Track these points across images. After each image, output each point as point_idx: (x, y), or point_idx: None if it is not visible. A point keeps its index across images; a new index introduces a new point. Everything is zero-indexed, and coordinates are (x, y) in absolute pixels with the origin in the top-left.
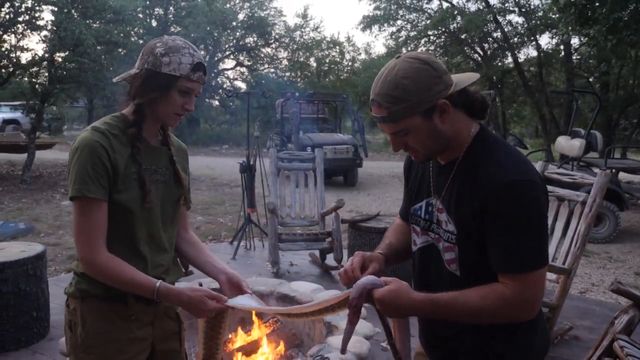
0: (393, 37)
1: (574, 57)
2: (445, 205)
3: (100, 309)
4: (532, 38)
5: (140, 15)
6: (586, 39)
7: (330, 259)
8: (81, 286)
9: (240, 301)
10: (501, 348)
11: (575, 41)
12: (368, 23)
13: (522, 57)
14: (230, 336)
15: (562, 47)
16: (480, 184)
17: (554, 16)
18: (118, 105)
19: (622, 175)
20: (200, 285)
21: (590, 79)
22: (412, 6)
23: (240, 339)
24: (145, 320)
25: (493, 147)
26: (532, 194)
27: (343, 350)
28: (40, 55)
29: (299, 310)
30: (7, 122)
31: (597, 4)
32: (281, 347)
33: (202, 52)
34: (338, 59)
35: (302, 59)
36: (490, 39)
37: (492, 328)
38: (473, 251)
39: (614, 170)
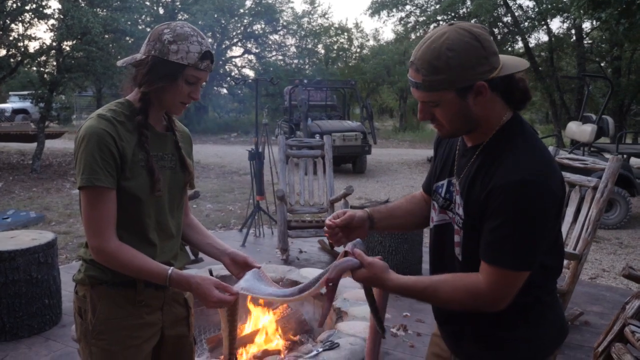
0: (402, 22)
1: (586, 42)
2: (461, 188)
3: (110, 295)
4: (543, 22)
5: (148, 3)
6: (598, 22)
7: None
8: (90, 273)
9: (248, 283)
10: (504, 336)
11: (586, 25)
12: (377, 8)
13: (532, 41)
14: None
15: (573, 31)
16: (494, 173)
17: (565, 0)
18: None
19: (634, 161)
20: (211, 272)
21: (602, 64)
22: None
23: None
24: (155, 305)
25: (519, 139)
26: (539, 198)
27: (321, 324)
28: (48, 44)
29: (299, 298)
30: (16, 111)
31: None
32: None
33: (210, 40)
34: (346, 46)
35: (310, 46)
36: (501, 24)
37: (497, 315)
38: (474, 238)
39: (625, 156)
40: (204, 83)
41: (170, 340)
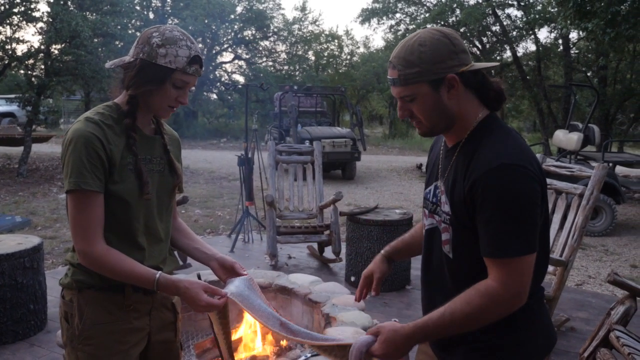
0: (392, 30)
1: (573, 52)
2: (445, 187)
3: (97, 299)
4: (530, 32)
5: (138, 7)
6: (584, 33)
7: (328, 252)
8: (78, 277)
9: (238, 290)
10: (497, 340)
11: (573, 35)
12: (367, 16)
13: (520, 51)
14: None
15: (560, 41)
16: (473, 167)
17: (552, 10)
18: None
19: (619, 169)
20: (199, 277)
21: (589, 73)
22: None
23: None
24: (143, 310)
25: (496, 132)
26: (521, 179)
27: None
28: (36, 47)
29: (300, 340)
30: (3, 115)
31: None
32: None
33: (200, 45)
34: (337, 53)
35: (300, 53)
36: (489, 33)
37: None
38: (464, 234)
39: (611, 164)
40: (193, 88)
41: (157, 345)
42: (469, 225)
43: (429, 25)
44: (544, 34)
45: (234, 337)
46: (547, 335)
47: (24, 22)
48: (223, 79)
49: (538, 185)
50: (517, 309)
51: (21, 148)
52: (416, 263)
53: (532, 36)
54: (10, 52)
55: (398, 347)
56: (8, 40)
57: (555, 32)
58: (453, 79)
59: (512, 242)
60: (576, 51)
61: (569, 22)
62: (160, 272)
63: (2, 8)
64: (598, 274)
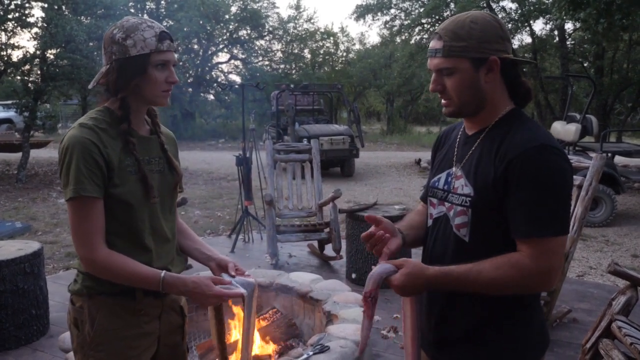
0: (387, 26)
1: (568, 43)
2: (465, 171)
3: (108, 305)
4: (526, 24)
5: (132, 10)
6: (579, 23)
7: (328, 250)
8: (87, 283)
9: (247, 296)
10: (493, 336)
11: (569, 26)
12: (362, 12)
13: (516, 43)
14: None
15: (556, 32)
16: (508, 146)
17: (547, 1)
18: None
19: (618, 159)
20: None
21: (585, 64)
22: None
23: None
24: (153, 314)
25: (526, 120)
26: (560, 161)
27: (362, 347)
28: (31, 52)
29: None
30: (0, 121)
31: None
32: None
33: (195, 47)
34: (332, 50)
35: (296, 51)
36: None
37: (486, 315)
38: (486, 215)
39: (609, 154)
40: (175, 64)
41: (165, 349)
42: (494, 206)
43: (424, 21)
44: (539, 26)
45: (235, 337)
46: (542, 332)
47: (19, 28)
48: (220, 80)
49: (570, 168)
50: (543, 290)
51: (20, 154)
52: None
53: (528, 28)
54: (5, 58)
55: (416, 284)
56: (3, 47)
57: (551, 23)
58: (494, 61)
59: (549, 222)
60: (572, 42)
61: (563, 12)
62: (165, 271)
63: None
64: (599, 265)
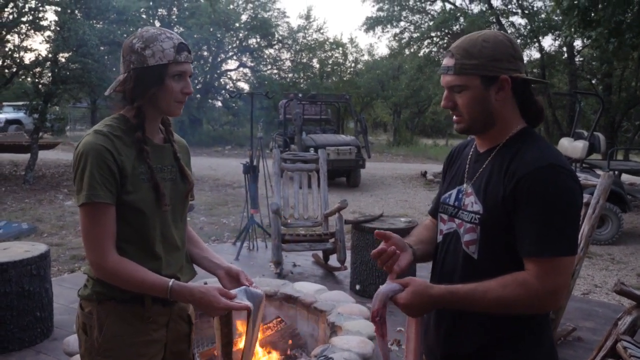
0: (396, 38)
1: (577, 59)
2: (475, 189)
3: (117, 311)
4: (534, 40)
5: (144, 16)
6: (589, 41)
7: (333, 260)
8: (97, 289)
9: (243, 296)
10: (502, 355)
11: (578, 43)
12: (371, 24)
13: (524, 59)
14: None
15: (565, 49)
16: (518, 165)
17: (556, 18)
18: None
19: (625, 177)
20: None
21: (593, 81)
22: (415, 8)
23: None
24: (161, 322)
25: (537, 139)
26: (569, 181)
27: None
28: (43, 55)
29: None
30: (10, 122)
31: (599, 6)
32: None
33: (205, 53)
34: (341, 60)
35: (305, 60)
36: None
37: (495, 333)
38: (495, 233)
39: (616, 172)
40: (191, 75)
41: (172, 357)
42: (503, 224)
43: (433, 34)
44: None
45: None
46: (551, 353)
47: (32, 31)
48: (228, 87)
49: (580, 189)
50: (550, 310)
51: (28, 155)
52: (421, 271)
53: (537, 44)
54: (18, 61)
55: (423, 303)
56: (16, 49)
57: (560, 40)
58: (505, 80)
59: (556, 241)
60: (581, 59)
61: (573, 30)
62: (173, 279)
63: (11, 17)
64: (604, 283)
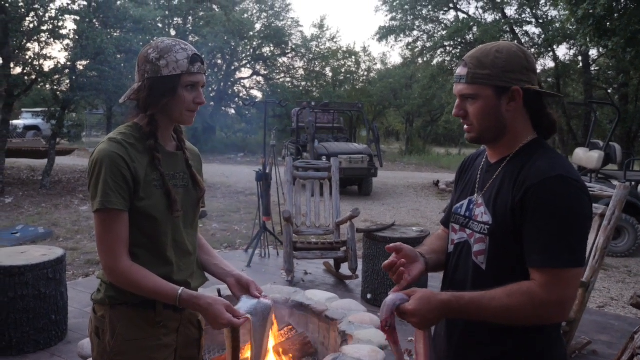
0: (409, 47)
1: (592, 69)
2: (485, 199)
3: (129, 315)
4: (549, 49)
5: (160, 25)
6: (605, 50)
7: (344, 268)
8: (110, 293)
9: (256, 318)
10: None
11: (593, 52)
12: (384, 34)
13: (539, 68)
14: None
15: (580, 58)
16: (527, 175)
17: (571, 27)
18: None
19: None
20: (219, 292)
21: (609, 91)
22: (428, 17)
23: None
24: (172, 327)
25: (547, 150)
26: (578, 192)
27: None
28: (62, 63)
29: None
30: (28, 128)
31: (615, 15)
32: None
33: (219, 61)
34: (354, 69)
35: (318, 69)
36: None
37: (506, 345)
38: (504, 244)
39: (633, 183)
40: (204, 86)
41: None
42: (512, 235)
43: (446, 43)
44: (563, 51)
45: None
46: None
47: (52, 39)
48: (241, 95)
49: (589, 200)
50: (557, 321)
51: (45, 160)
52: (433, 282)
53: (551, 53)
54: (38, 68)
55: (430, 309)
56: (36, 57)
57: (575, 49)
58: (517, 91)
59: (562, 253)
60: (596, 68)
61: (588, 39)
62: (182, 288)
63: (32, 26)
64: (621, 296)
